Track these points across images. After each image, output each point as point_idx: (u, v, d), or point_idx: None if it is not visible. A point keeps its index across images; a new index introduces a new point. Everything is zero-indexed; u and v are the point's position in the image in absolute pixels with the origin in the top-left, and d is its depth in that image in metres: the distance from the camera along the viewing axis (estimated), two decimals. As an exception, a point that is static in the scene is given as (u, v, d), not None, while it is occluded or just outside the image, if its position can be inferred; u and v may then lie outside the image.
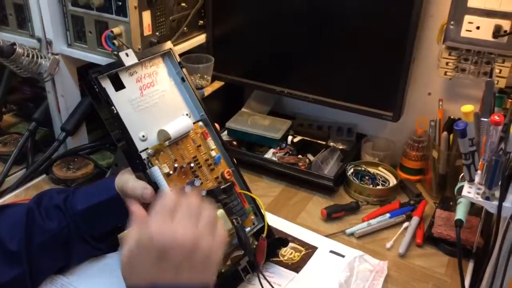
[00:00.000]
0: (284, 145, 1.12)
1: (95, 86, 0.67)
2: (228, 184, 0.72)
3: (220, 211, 0.68)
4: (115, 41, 0.91)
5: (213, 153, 0.75)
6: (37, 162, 1.08)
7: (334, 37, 1.02)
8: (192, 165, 0.72)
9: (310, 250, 0.84)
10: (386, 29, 0.97)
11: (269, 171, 1.07)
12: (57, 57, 1.00)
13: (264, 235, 0.73)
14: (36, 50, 1.00)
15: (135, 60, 0.71)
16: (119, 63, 0.70)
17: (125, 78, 0.71)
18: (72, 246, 0.75)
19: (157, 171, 0.67)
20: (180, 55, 1.10)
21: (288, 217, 0.93)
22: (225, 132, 1.15)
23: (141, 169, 0.67)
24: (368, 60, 1.01)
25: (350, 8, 0.99)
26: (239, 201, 0.73)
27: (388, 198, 0.99)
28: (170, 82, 0.76)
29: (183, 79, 0.76)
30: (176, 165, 0.70)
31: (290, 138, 1.14)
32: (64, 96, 1.09)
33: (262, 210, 0.76)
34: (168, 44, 0.77)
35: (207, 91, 1.14)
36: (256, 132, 1.11)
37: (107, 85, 0.68)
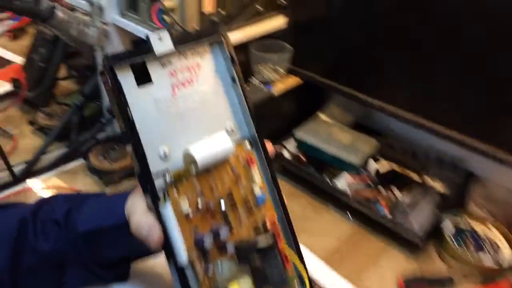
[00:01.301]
0: (363, 171, 0.88)
1: (108, 78, 0.48)
2: (269, 243, 0.51)
3: (246, 281, 0.48)
4: (166, 17, 0.72)
5: (257, 190, 0.54)
6: (75, 144, 0.95)
7: (456, 45, 0.74)
8: (223, 203, 0.51)
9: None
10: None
11: (339, 201, 0.84)
12: (106, 27, 0.85)
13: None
14: (86, 17, 0.85)
15: (170, 47, 0.51)
16: (147, 49, 0.51)
17: (154, 69, 0.52)
18: (67, 270, 0.59)
19: (169, 213, 0.48)
20: (251, 40, 0.90)
21: (352, 274, 0.71)
22: (292, 140, 0.94)
23: (151, 197, 0.49)
24: (500, 83, 0.72)
25: (491, 15, 0.70)
26: (280, 262, 0.52)
27: (496, 276, 0.72)
28: (216, 81, 0.55)
29: (233, 80, 0.56)
30: (200, 201, 0.50)
31: (373, 164, 0.89)
32: (115, 73, 0.94)
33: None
34: (222, 29, 0.56)
35: (278, 87, 0.93)
36: (330, 151, 0.88)
37: (127, 77, 0.50)
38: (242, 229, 0.53)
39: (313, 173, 0.87)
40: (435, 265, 0.74)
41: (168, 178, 0.50)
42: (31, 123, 1.03)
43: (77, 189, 0.87)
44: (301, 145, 0.91)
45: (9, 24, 1.42)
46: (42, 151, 0.93)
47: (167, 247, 0.49)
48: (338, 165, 0.88)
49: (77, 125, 1.00)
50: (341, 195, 0.83)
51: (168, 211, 0.48)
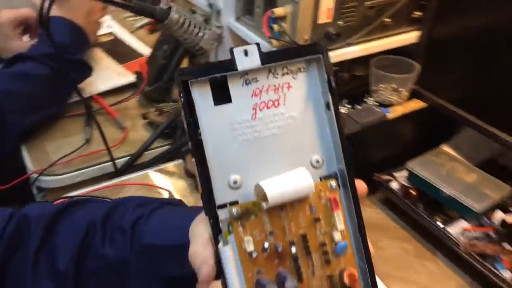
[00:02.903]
0: (486, 220, 0.74)
1: (181, 95, 0.44)
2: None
3: None
4: (275, 26, 0.67)
5: (337, 237, 0.46)
6: (176, 145, 0.95)
7: None
8: (294, 248, 0.45)
9: None
10: None
11: (450, 251, 0.72)
12: (217, 31, 0.82)
13: None
14: (200, 20, 0.84)
15: (257, 63, 0.46)
16: (231, 64, 0.46)
17: (236, 87, 0.46)
18: (130, 279, 0.58)
19: (229, 251, 0.42)
20: (372, 55, 0.81)
21: None
22: (404, 173, 0.82)
23: (212, 230, 0.44)
24: None
25: None
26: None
27: None
28: (307, 106, 0.48)
29: (328, 106, 0.48)
30: (267, 242, 0.44)
31: (500, 214, 0.74)
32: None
33: None
34: (323, 48, 0.49)
35: (396, 111, 0.82)
36: (447, 191, 0.75)
37: (203, 95, 0.45)
38: (314, 281, 0.45)
39: (422, 212, 0.75)
40: None
41: (234, 211, 0.45)
42: (144, 117, 1.07)
43: (169, 190, 0.87)
44: (414, 178, 0.79)
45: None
46: (145, 147, 0.95)
47: (223, 286, 0.44)
48: (454, 208, 0.75)
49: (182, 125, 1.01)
50: (453, 244, 0.70)
51: (228, 248, 0.43)
